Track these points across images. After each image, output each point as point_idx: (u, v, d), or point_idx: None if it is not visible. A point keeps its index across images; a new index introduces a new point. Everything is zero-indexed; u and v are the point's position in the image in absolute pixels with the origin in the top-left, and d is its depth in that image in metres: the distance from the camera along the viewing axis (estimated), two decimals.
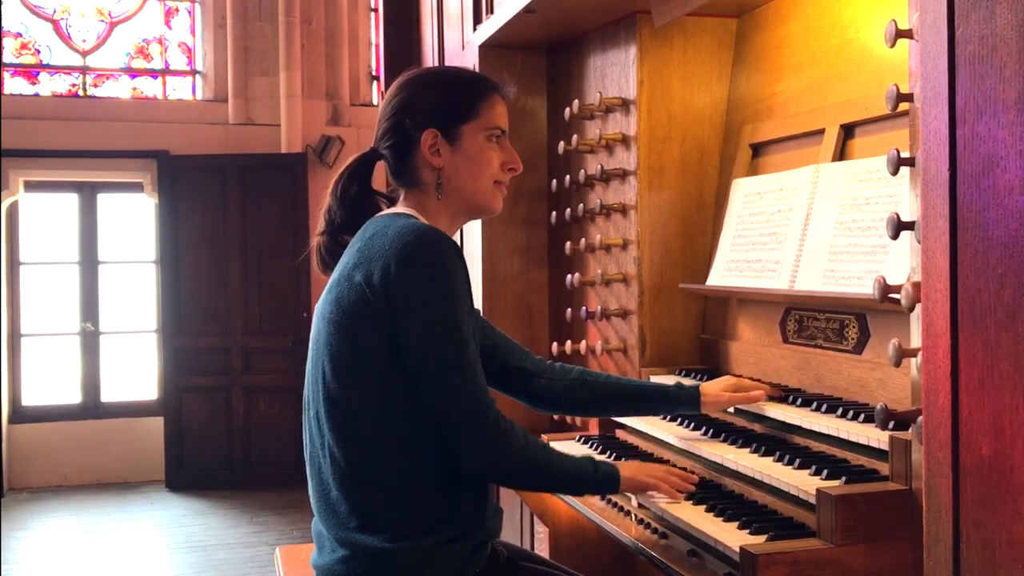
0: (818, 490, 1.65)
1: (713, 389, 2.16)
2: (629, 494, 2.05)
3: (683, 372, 2.53)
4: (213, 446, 7.38)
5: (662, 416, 2.37)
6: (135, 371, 7.92)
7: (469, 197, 1.92)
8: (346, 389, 1.77)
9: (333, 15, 7.93)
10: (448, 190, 1.90)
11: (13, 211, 7.64)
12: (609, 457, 2.33)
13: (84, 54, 7.85)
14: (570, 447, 2.50)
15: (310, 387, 1.86)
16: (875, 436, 1.74)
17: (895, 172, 1.46)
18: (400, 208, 1.91)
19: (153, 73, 7.96)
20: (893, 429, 1.59)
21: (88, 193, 7.80)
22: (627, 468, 1.94)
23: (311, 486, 1.87)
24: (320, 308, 1.85)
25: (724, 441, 2.09)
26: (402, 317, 1.72)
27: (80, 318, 7.80)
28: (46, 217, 7.85)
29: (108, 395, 7.84)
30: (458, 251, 1.79)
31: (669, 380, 2.36)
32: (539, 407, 2.24)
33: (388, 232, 1.78)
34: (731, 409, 2.20)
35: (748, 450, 2.00)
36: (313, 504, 1.86)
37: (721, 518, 1.81)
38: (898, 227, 1.41)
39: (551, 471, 1.85)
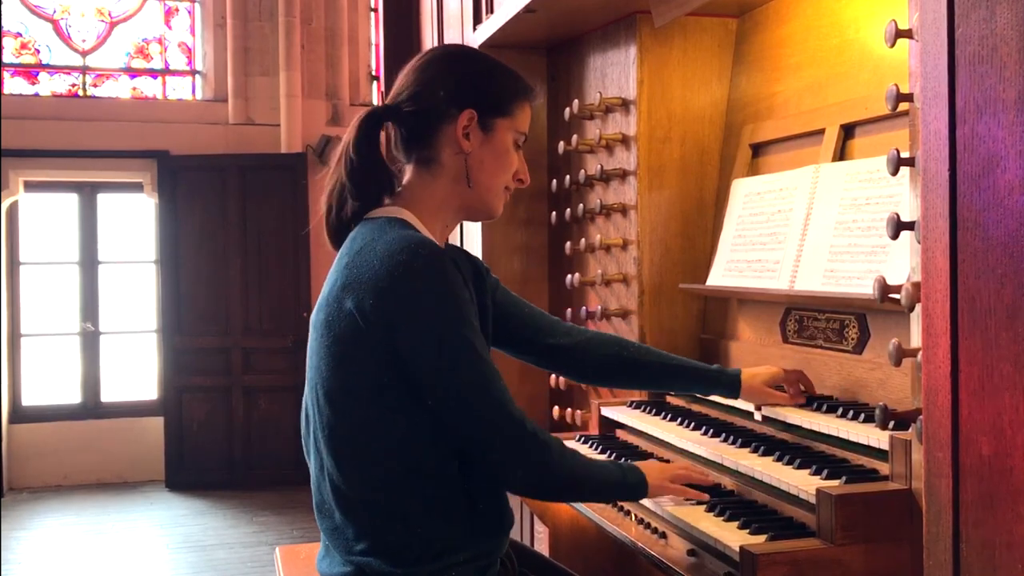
0: (818, 490, 1.65)
1: (755, 382, 2.11)
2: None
3: None
4: (213, 446, 7.38)
5: (663, 416, 2.38)
6: (135, 371, 7.92)
7: (482, 193, 1.81)
8: (343, 419, 1.67)
9: (333, 15, 7.93)
10: (470, 179, 1.78)
11: (13, 211, 7.65)
12: (609, 458, 2.33)
13: (84, 54, 7.85)
14: (570, 447, 2.49)
15: (308, 402, 1.75)
16: (875, 436, 1.74)
17: (895, 172, 1.46)
18: (394, 209, 1.76)
19: (153, 73, 7.96)
20: (893, 429, 1.60)
21: (88, 193, 7.80)
22: (652, 474, 1.86)
23: (315, 502, 1.78)
24: (314, 318, 1.73)
25: (724, 440, 2.09)
26: (408, 345, 1.60)
27: (80, 318, 7.80)
28: (46, 217, 7.85)
29: (108, 395, 7.85)
30: (451, 260, 1.67)
31: None
32: (572, 377, 2.26)
33: (376, 248, 1.65)
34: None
35: (748, 449, 2.00)
36: (318, 520, 1.78)
37: (721, 518, 1.81)
38: (898, 227, 1.41)
39: (589, 479, 1.77)
